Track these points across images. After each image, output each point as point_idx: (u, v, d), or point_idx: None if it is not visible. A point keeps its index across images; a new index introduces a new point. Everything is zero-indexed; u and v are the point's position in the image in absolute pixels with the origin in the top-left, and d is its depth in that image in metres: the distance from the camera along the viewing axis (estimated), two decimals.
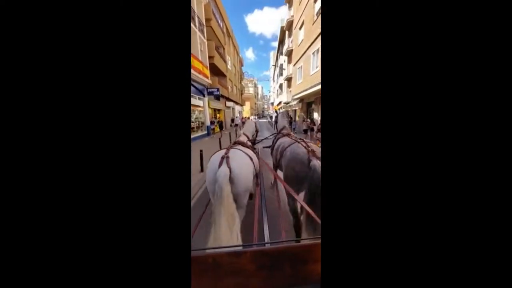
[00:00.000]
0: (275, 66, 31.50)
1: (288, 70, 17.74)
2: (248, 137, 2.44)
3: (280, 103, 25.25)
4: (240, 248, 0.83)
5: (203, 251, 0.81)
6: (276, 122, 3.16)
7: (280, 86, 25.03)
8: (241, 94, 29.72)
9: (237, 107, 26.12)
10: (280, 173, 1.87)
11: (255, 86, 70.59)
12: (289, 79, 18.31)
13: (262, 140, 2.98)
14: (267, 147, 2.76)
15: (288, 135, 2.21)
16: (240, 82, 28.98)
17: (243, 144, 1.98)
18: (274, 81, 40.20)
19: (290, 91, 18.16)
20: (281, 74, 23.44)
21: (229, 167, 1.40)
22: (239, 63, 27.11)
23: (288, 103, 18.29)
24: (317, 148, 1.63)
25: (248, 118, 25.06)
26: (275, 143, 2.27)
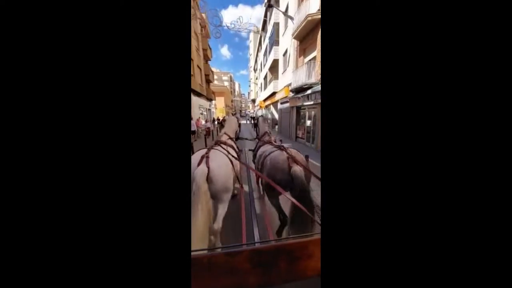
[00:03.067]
0: (260, 41, 21.18)
1: (302, 9, 7.41)
2: (229, 136, 2.35)
3: (272, 95, 14.89)
4: (233, 249, 0.85)
5: (197, 253, 0.82)
6: (256, 125, 2.89)
7: (273, 66, 14.76)
8: (208, 82, 18.84)
9: (201, 102, 15.29)
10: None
11: (231, 80, 59.46)
12: (304, 36, 8.19)
13: (244, 139, 2.95)
14: (252, 150, 2.65)
15: (269, 142, 2.16)
16: (206, 62, 18.07)
17: (224, 143, 2.00)
18: (256, 70, 30.11)
19: (307, 62, 7.99)
20: (275, 43, 13.24)
21: (208, 167, 1.42)
22: (204, 28, 16.15)
23: (307, 87, 7.84)
24: (297, 154, 1.60)
25: (224, 119, 14.58)
26: (257, 150, 2.25)
